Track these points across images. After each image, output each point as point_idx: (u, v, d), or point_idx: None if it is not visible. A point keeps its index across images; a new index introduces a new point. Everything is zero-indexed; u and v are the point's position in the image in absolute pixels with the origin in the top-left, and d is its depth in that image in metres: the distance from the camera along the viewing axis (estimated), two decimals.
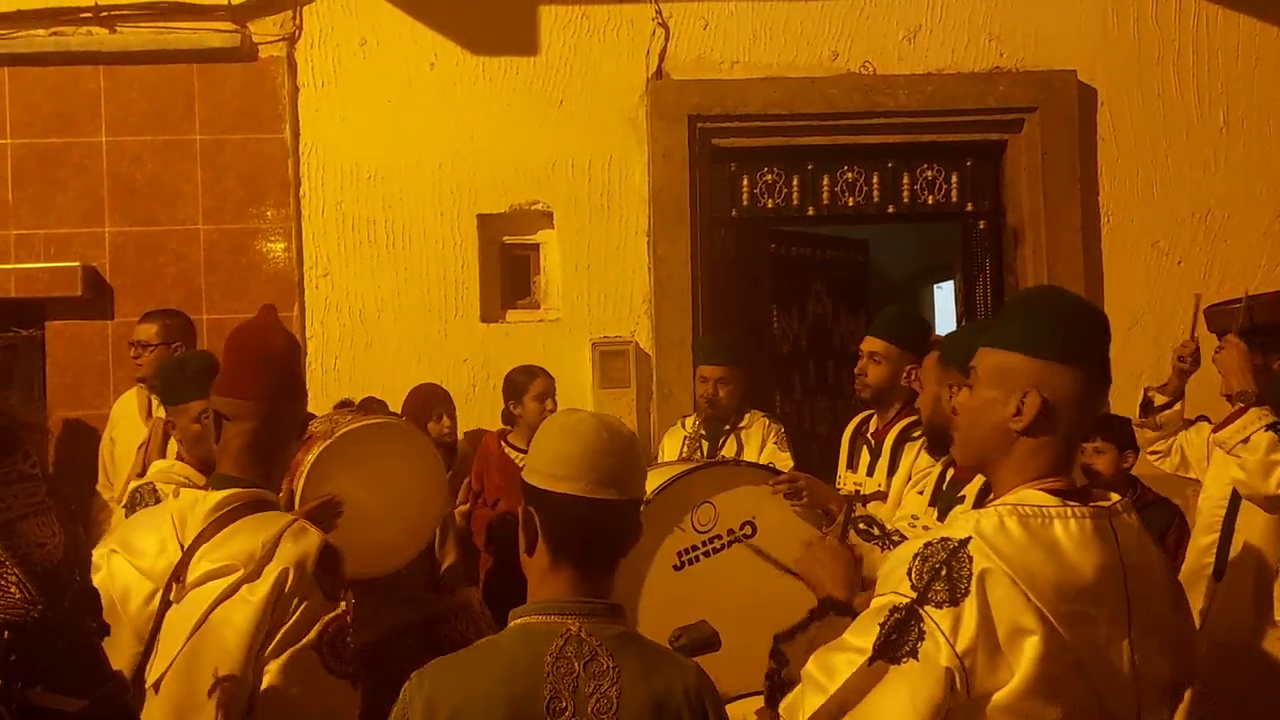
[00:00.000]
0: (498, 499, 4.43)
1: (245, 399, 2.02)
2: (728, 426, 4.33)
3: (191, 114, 5.01)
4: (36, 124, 4.98)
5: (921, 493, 2.98)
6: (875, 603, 1.56)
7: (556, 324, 5.12)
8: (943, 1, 5.15)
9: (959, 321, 5.91)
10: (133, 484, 3.08)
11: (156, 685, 1.88)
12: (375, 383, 4.75)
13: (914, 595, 1.51)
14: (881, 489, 3.37)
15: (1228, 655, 3.39)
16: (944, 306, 7.91)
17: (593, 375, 5.02)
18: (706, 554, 2.98)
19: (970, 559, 1.50)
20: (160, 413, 3.87)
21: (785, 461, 4.10)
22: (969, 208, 5.41)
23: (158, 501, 2.80)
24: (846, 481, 3.61)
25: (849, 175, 5.35)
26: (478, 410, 4.95)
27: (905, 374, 3.41)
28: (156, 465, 3.20)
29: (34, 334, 5.01)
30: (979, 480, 2.56)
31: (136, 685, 1.88)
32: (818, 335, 5.84)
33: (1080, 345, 1.63)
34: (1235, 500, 3.43)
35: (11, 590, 1.48)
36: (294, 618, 1.85)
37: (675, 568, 2.94)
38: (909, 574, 1.53)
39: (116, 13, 4.97)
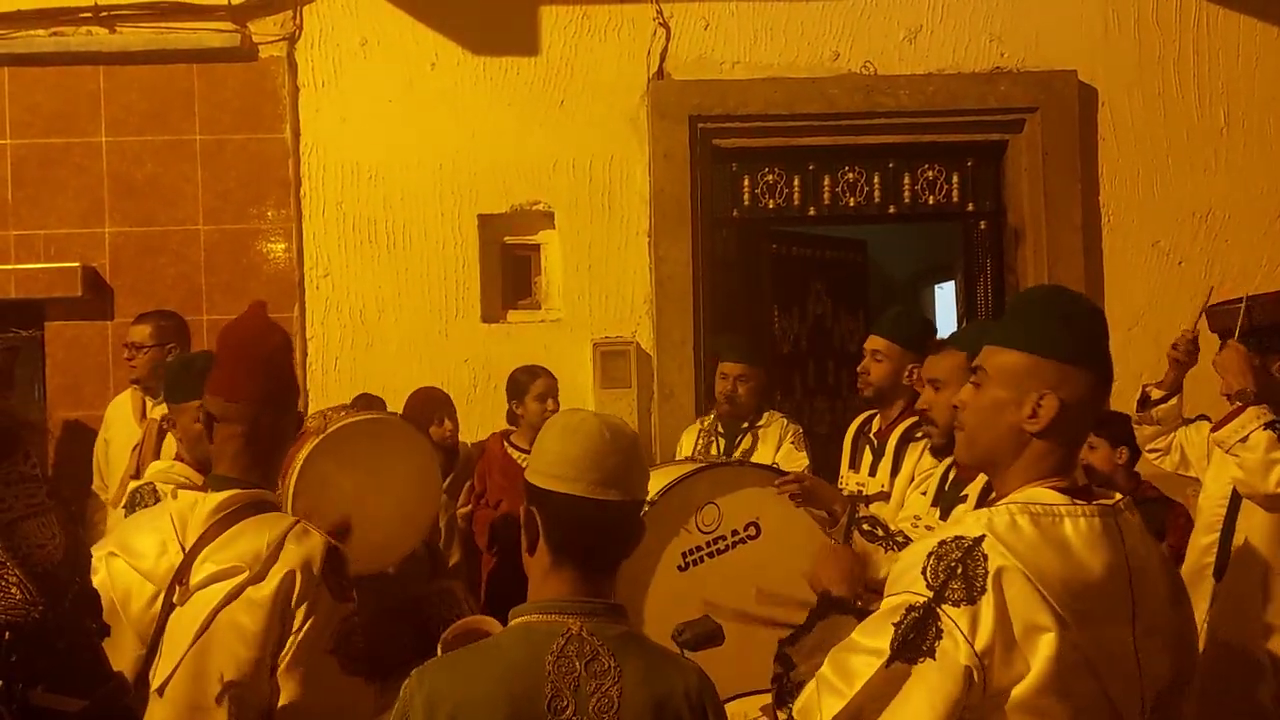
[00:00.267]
0: (500, 499, 4.43)
1: (236, 401, 2.00)
2: (746, 425, 4.33)
3: (192, 114, 5.01)
4: (36, 124, 4.98)
5: (924, 493, 2.98)
6: (888, 603, 1.56)
7: (557, 324, 5.12)
8: (944, 2, 5.15)
9: (960, 322, 5.91)
10: (132, 485, 3.07)
11: (161, 689, 1.87)
12: (376, 383, 4.74)
13: (930, 594, 1.50)
14: (884, 489, 3.37)
15: (1229, 655, 3.39)
16: (945, 307, 7.91)
17: (594, 375, 5.02)
18: (711, 555, 2.99)
19: (985, 557, 1.51)
20: (155, 414, 3.87)
21: (801, 462, 4.11)
22: (970, 208, 5.40)
23: (157, 502, 2.79)
24: (849, 482, 3.61)
25: (850, 175, 5.35)
26: (479, 411, 4.94)
27: (907, 373, 3.42)
28: (156, 466, 3.19)
29: (34, 335, 5.01)
30: (981, 479, 2.55)
31: (139, 688, 1.87)
32: (818, 335, 5.84)
33: (1091, 347, 1.64)
34: (1236, 500, 3.42)
35: (12, 591, 1.48)
36: (307, 625, 1.84)
37: (680, 569, 2.95)
38: (924, 573, 1.52)
39: (116, 13, 4.97)
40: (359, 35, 5.06)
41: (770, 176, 5.33)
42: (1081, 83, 5.14)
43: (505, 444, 4.60)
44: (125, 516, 2.76)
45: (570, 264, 5.11)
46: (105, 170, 4.99)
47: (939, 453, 2.85)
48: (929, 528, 2.74)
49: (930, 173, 5.36)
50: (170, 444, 3.54)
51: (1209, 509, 3.53)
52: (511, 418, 4.64)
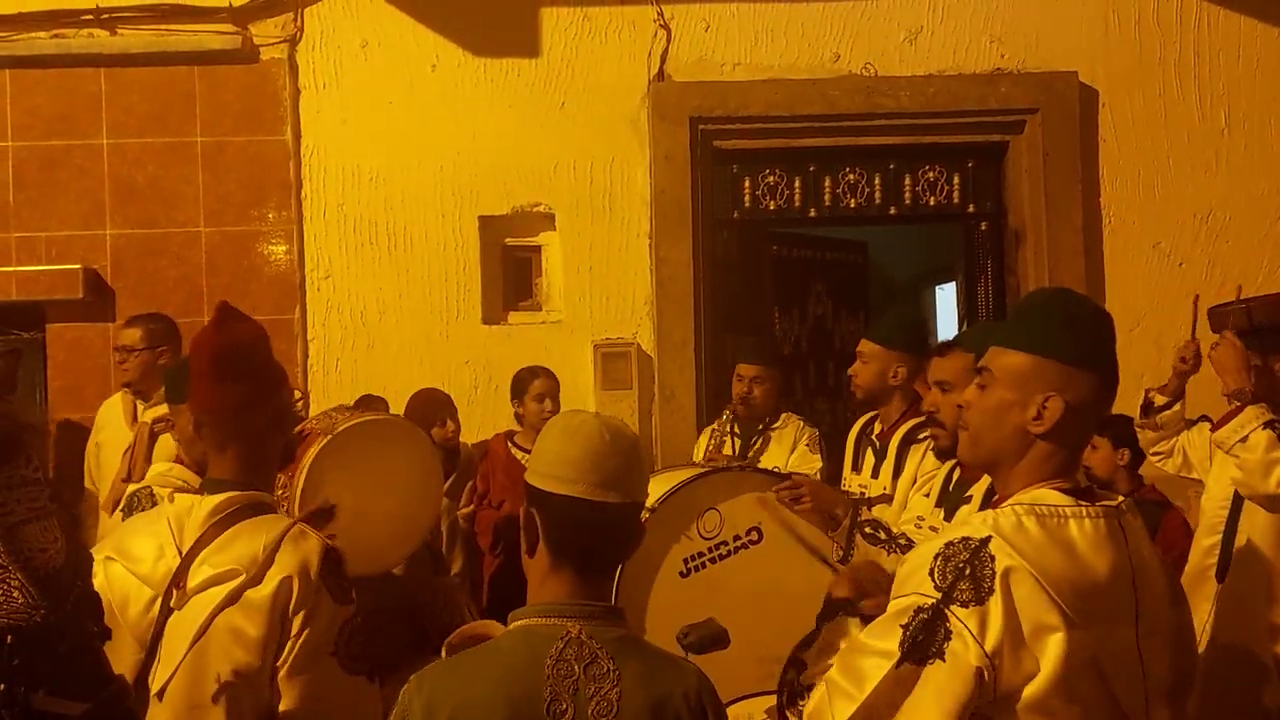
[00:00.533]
0: (503, 500, 4.43)
1: (214, 411, 1.98)
2: (761, 426, 4.34)
3: (193, 116, 5.01)
4: (38, 126, 4.98)
5: (927, 495, 2.98)
6: (895, 604, 1.56)
7: (558, 326, 5.12)
8: (944, 3, 5.15)
9: (961, 323, 5.91)
10: (130, 487, 3.07)
11: (161, 693, 1.87)
12: (377, 385, 4.75)
13: (939, 595, 1.51)
14: (887, 492, 3.36)
15: (1231, 656, 3.39)
16: (946, 308, 7.90)
17: (594, 377, 5.02)
18: (713, 560, 2.98)
19: (993, 558, 1.51)
20: (146, 417, 3.88)
21: (815, 465, 4.13)
22: (970, 209, 5.40)
23: (155, 505, 2.78)
24: (852, 484, 3.61)
25: (850, 177, 5.35)
26: (479, 412, 4.94)
27: (892, 373, 3.43)
28: (155, 468, 3.18)
29: (35, 337, 5.01)
30: (985, 480, 2.55)
31: (139, 691, 1.87)
32: (818, 337, 5.84)
33: (1097, 350, 1.64)
34: (1238, 501, 3.42)
35: (14, 595, 1.48)
36: (308, 630, 1.84)
37: (681, 574, 2.95)
38: (931, 574, 1.53)
39: (117, 15, 4.97)
40: (360, 37, 5.06)
41: (771, 178, 5.33)
42: (1082, 84, 5.14)
43: (509, 444, 4.60)
44: (123, 520, 2.75)
45: (571, 265, 5.12)
46: (106, 172, 4.99)
47: (945, 455, 2.84)
48: (933, 529, 2.74)
49: (931, 174, 5.36)
50: (162, 447, 3.55)
51: (1211, 510, 3.53)
52: (518, 418, 4.65)
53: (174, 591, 1.90)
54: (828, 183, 5.34)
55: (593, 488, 1.62)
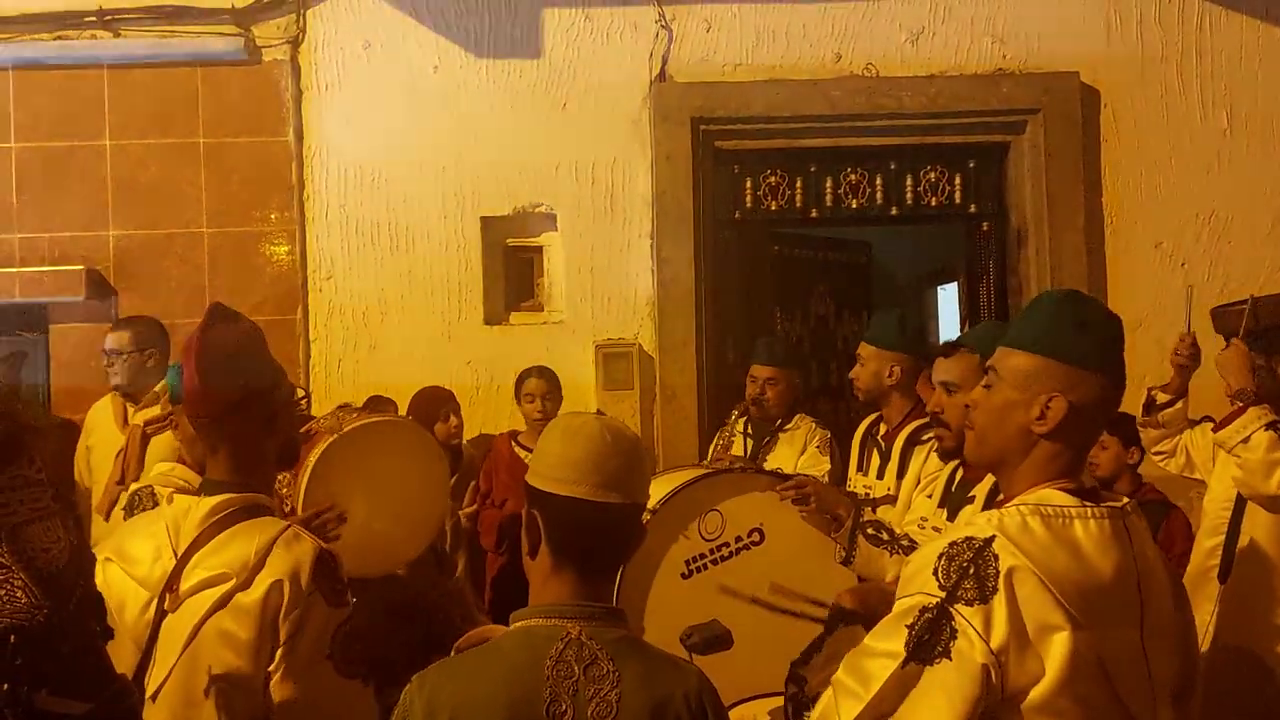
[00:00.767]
0: (505, 499, 4.43)
1: (208, 415, 1.98)
2: (773, 427, 4.35)
3: (195, 117, 5.02)
4: (41, 128, 4.99)
5: (930, 496, 2.98)
6: (900, 605, 1.56)
7: (560, 326, 5.12)
8: (946, 3, 5.15)
9: (962, 323, 5.91)
10: (133, 486, 3.08)
11: (155, 695, 1.88)
12: (379, 385, 4.75)
13: (943, 595, 1.51)
14: (891, 492, 3.37)
15: (1234, 656, 3.39)
16: (947, 308, 7.90)
17: (596, 377, 5.02)
18: (714, 562, 2.98)
19: (996, 557, 1.51)
20: (136, 419, 3.88)
21: (823, 467, 4.14)
22: (972, 209, 5.40)
23: (156, 505, 2.79)
24: (857, 485, 3.62)
25: (852, 177, 5.34)
26: (481, 412, 4.95)
27: (888, 372, 3.44)
28: (158, 467, 3.19)
29: (38, 337, 5.01)
30: (989, 481, 2.54)
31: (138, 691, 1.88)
32: (820, 337, 5.85)
33: (1104, 352, 1.64)
34: (1240, 501, 3.42)
35: (17, 595, 1.48)
36: (300, 635, 1.83)
37: (683, 576, 2.94)
38: (935, 574, 1.53)
39: (120, 17, 4.98)
40: (362, 38, 5.06)
41: (772, 178, 5.33)
42: (1084, 84, 5.13)
43: (513, 444, 4.60)
44: (124, 519, 2.76)
45: (573, 266, 5.12)
46: (109, 173, 5.00)
47: (949, 456, 2.83)
48: (936, 529, 2.74)
49: (932, 174, 5.35)
50: (159, 447, 3.56)
51: (1214, 511, 3.53)
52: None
53: (167, 595, 1.90)
54: (829, 183, 5.33)
55: (594, 489, 1.62)
